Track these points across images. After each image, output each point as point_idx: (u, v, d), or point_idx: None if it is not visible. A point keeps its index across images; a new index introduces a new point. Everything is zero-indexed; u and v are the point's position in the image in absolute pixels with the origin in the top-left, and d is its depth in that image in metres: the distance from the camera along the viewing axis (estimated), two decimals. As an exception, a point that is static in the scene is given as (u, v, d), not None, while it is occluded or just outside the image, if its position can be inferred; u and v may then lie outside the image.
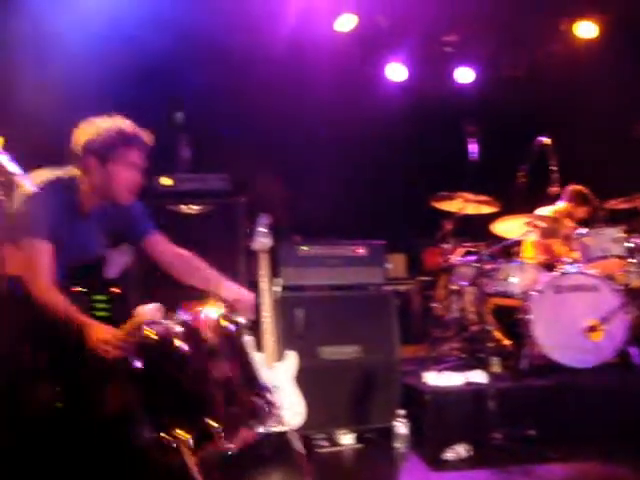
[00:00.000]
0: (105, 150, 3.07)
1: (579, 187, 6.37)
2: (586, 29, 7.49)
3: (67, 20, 5.38)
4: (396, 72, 7.89)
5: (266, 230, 4.30)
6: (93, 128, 3.11)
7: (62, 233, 3.08)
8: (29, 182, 2.37)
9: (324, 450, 4.54)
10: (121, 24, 5.66)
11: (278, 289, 4.77)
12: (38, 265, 2.97)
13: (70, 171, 3.18)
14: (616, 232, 5.46)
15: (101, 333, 2.86)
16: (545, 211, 6.18)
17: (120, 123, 3.14)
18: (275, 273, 4.71)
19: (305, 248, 4.95)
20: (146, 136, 3.19)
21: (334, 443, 4.64)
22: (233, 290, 3.33)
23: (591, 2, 7.28)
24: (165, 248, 3.47)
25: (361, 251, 5.06)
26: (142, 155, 3.20)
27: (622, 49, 7.28)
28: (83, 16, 5.49)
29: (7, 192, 2.33)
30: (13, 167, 2.34)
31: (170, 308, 4.45)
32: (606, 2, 7.23)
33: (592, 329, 5.07)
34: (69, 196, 3.14)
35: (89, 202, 3.20)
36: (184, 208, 5.09)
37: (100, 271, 3.42)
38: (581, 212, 6.36)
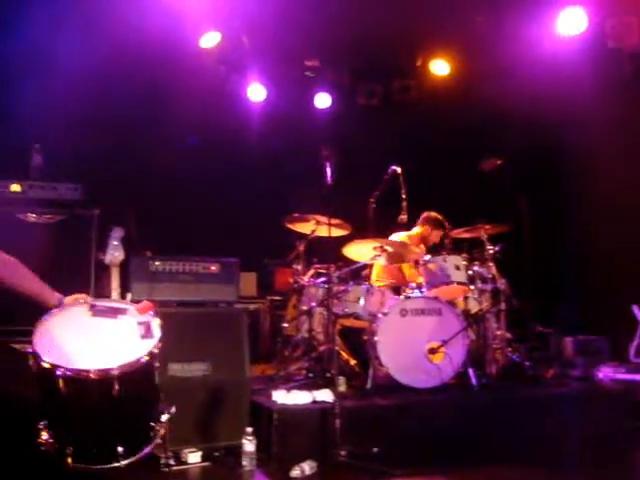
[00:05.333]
0: None
1: (434, 213, 6.70)
2: (440, 67, 7.91)
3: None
4: (256, 92, 7.97)
5: (119, 243, 4.20)
6: None
7: None
8: None
9: (171, 469, 4.45)
10: None
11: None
12: None
13: None
14: (458, 260, 5.73)
15: None
16: (400, 236, 6.40)
17: None
18: (126, 288, 4.60)
19: (157, 263, 4.87)
20: None
21: (181, 462, 4.55)
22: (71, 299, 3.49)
23: (444, 42, 7.67)
24: None
25: (214, 268, 5.02)
26: None
27: (472, 86, 7.75)
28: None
29: None
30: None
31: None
32: (458, 43, 7.64)
33: (433, 351, 5.31)
34: None
35: None
36: (33, 217, 4.89)
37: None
38: (435, 236, 6.68)
